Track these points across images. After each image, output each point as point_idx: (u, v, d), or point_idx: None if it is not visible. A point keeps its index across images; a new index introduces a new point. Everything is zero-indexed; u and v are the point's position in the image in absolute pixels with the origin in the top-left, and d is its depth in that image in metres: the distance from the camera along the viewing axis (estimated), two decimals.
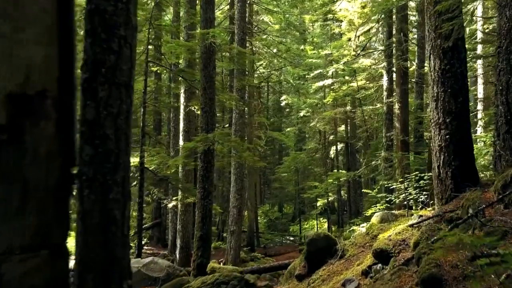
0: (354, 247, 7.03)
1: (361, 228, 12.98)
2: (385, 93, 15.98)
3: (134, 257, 11.62)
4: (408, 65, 15.14)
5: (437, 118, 5.95)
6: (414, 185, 11.73)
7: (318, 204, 31.99)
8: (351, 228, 13.07)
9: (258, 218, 33.92)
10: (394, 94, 15.55)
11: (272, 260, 18.46)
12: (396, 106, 14.97)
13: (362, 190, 29.68)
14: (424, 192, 12.06)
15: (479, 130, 21.10)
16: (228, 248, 16.68)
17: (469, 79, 24.83)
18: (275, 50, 24.00)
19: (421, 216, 5.88)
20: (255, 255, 18.63)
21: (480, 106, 21.14)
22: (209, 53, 10.43)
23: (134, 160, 12.12)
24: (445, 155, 5.67)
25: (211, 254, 18.85)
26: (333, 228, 29.78)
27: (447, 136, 5.71)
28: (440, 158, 5.72)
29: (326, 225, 29.18)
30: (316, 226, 29.92)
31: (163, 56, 12.41)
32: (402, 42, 14.32)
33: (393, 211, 11.92)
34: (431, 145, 6.22)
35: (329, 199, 29.48)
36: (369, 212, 24.81)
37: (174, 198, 14.13)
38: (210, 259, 10.85)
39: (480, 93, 21.08)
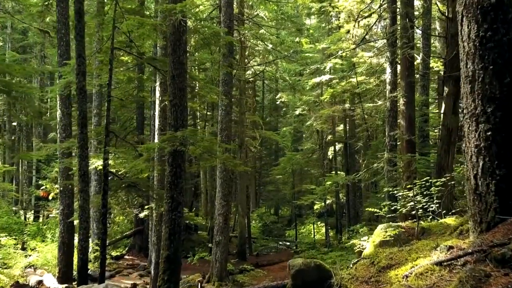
0: (355, 282, 5.28)
1: (362, 242, 11.24)
2: (388, 87, 14.24)
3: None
4: (415, 54, 13.40)
5: (473, 107, 4.21)
6: (424, 192, 10.00)
7: (316, 207, 30.32)
8: (351, 242, 11.27)
9: (253, 222, 32.21)
10: (399, 88, 13.81)
11: (263, 272, 16.73)
12: (401, 101, 13.23)
13: (362, 193, 28.18)
14: (435, 201, 10.34)
15: None
16: (213, 261, 14.96)
17: None
18: (270, 46, 22.28)
19: (451, 248, 4.16)
20: (244, 267, 16.89)
21: None
22: (178, 34, 8.66)
23: (97, 162, 10.35)
24: (485, 160, 3.93)
25: (197, 266, 17.22)
26: (331, 233, 28.17)
27: (489, 133, 3.97)
28: (478, 164, 3.98)
29: (323, 230, 27.48)
30: (313, 230, 28.16)
31: (133, 43, 10.63)
32: (407, 29, 12.58)
33: (399, 223, 10.17)
34: (464, 145, 4.45)
35: (327, 202, 27.82)
36: (365, 229, 23.18)
37: (146, 207, 12.40)
38: (179, 284, 9.11)
39: None
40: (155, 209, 11.90)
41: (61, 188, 13.02)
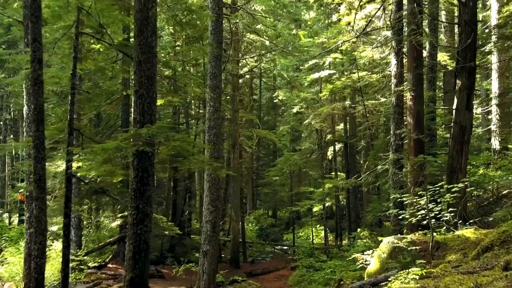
0: None
1: (366, 256, 9.85)
2: (393, 80, 12.87)
3: None
4: (423, 42, 12.04)
5: None
6: (439, 200, 8.62)
7: (315, 210, 28.92)
8: (352, 256, 9.89)
9: (249, 225, 30.84)
10: (405, 81, 12.45)
11: (256, 285, 15.34)
12: (408, 95, 11.86)
13: (363, 195, 26.78)
14: (450, 209, 8.95)
15: (493, 128, 18.19)
16: (200, 273, 13.59)
17: (482, 72, 21.79)
18: (266, 42, 20.89)
19: None
20: (235, 278, 15.50)
21: (494, 103, 18.19)
22: (145, 11, 7.27)
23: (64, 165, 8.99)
24: None
25: (183, 276, 15.83)
26: (330, 237, 26.80)
27: None
28: None
29: (323, 233, 26.09)
30: (311, 235, 26.78)
31: (104, 30, 9.25)
32: (416, 14, 11.19)
33: (408, 236, 8.79)
34: None
35: (327, 205, 26.46)
36: (366, 233, 21.78)
37: (119, 215, 11.04)
38: None
39: (495, 88, 18.12)
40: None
41: (27, 193, 11.64)
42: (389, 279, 6.82)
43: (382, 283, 7.14)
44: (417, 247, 8.00)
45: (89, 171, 7.22)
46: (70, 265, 14.66)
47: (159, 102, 9.87)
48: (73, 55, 8.98)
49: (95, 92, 11.22)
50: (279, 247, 27.04)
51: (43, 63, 8.53)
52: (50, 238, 17.91)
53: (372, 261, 8.60)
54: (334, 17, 22.60)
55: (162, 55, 21.37)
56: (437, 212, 8.48)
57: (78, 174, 9.20)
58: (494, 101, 18.21)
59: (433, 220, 8.63)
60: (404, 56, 12.80)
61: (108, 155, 6.95)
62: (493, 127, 18.08)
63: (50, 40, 9.47)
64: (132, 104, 7.01)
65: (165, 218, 10.05)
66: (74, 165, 9.63)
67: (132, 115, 7.12)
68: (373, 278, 7.42)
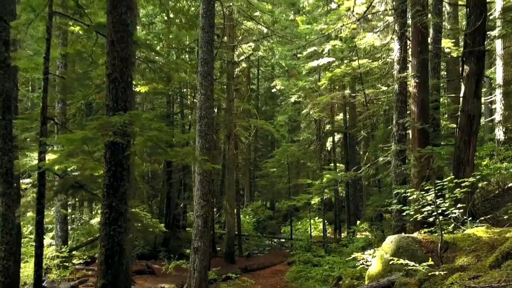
0: None
1: (366, 256, 9.12)
2: (396, 67, 12.07)
3: None
4: (429, 24, 11.25)
5: None
6: (446, 195, 7.86)
7: (313, 202, 28.24)
8: (352, 256, 9.16)
9: (246, 217, 30.20)
10: (409, 67, 11.67)
11: (251, 281, 14.66)
12: (412, 82, 11.06)
13: (363, 187, 26.08)
14: (458, 205, 8.18)
15: (498, 118, 17.46)
16: (191, 270, 12.86)
17: (486, 60, 20.94)
18: (264, 30, 19.99)
19: None
20: (229, 275, 14.80)
21: (499, 93, 17.41)
22: None
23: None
24: None
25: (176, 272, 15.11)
26: (329, 230, 26.16)
27: None
28: None
29: (321, 225, 25.41)
30: (309, 227, 26.09)
31: (83, 10, 8.44)
32: None
33: (413, 235, 8.05)
34: None
35: (325, 197, 25.76)
36: (366, 225, 21.02)
37: (100, 211, 10.29)
38: None
39: (500, 77, 17.33)
40: None
41: None
42: (394, 284, 6.10)
43: None
44: (423, 248, 7.27)
45: (53, 164, 6.47)
46: (55, 262, 14.01)
47: (143, 89, 9.10)
48: (46, 37, 8.16)
49: (83, 80, 10.41)
50: (276, 240, 26.41)
51: (17, 46, 7.73)
52: None
53: (374, 262, 7.87)
54: (334, 5, 21.73)
55: (155, 41, 20.55)
56: (444, 209, 7.71)
57: (56, 168, 8.43)
58: (498, 90, 17.45)
59: (440, 217, 7.86)
60: (408, 40, 11.98)
61: (75, 147, 6.19)
62: (497, 117, 17.34)
63: (23, 22, 8.66)
64: (105, 90, 6.24)
65: (149, 214, 9.31)
66: (53, 157, 8.86)
67: (104, 102, 6.36)
68: (375, 283, 6.70)
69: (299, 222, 30.24)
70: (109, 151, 6.16)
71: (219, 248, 21.76)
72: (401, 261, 6.67)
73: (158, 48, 20.81)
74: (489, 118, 21.44)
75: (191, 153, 6.76)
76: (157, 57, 10.66)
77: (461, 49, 16.81)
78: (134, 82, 9.60)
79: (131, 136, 6.14)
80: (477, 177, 7.66)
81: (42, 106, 8.10)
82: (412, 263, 5.80)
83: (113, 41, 6.23)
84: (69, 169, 9.32)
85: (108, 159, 6.19)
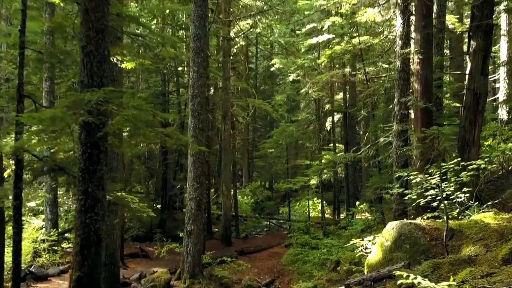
0: None
1: (366, 243, 8.66)
2: (398, 42, 11.44)
3: None
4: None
5: None
6: (452, 179, 7.36)
7: (312, 182, 27.78)
8: (350, 243, 8.69)
9: (245, 198, 29.81)
10: (412, 43, 11.04)
11: (246, 265, 14.29)
12: (415, 59, 10.46)
13: (362, 167, 25.62)
14: (464, 189, 7.66)
15: (501, 97, 16.89)
16: (184, 254, 12.51)
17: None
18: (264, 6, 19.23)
19: None
20: (224, 259, 14.42)
21: (503, 71, 16.77)
22: None
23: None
24: None
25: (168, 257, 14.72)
26: (327, 211, 25.82)
27: None
28: None
29: (320, 206, 25.03)
30: (308, 208, 25.69)
31: None
32: None
33: (416, 221, 7.56)
34: None
35: (324, 177, 25.30)
36: (365, 206, 20.51)
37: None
38: None
39: (504, 54, 16.66)
40: None
41: None
42: (394, 275, 5.63)
43: (385, 280, 5.96)
44: (427, 235, 6.80)
45: (21, 145, 5.93)
46: (44, 245, 13.60)
47: (130, 65, 8.53)
48: (21, 8, 7.55)
49: (64, 55, 9.81)
50: (274, 221, 26.08)
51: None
52: (30, 214, 16.80)
53: (374, 249, 7.41)
54: None
55: (150, 18, 19.76)
56: (449, 193, 7.20)
57: (38, 149, 7.90)
58: (502, 68, 16.79)
59: (445, 201, 7.34)
60: (411, 14, 11.32)
61: (45, 127, 5.65)
62: (500, 96, 16.74)
63: None
64: (79, 65, 5.66)
65: (137, 199, 8.82)
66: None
67: (79, 77, 5.80)
68: (375, 273, 6.23)
69: (298, 203, 29.85)
70: (84, 131, 5.62)
71: (216, 230, 21.41)
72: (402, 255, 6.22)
73: (153, 26, 20.14)
74: (492, 98, 20.85)
75: (174, 134, 6.24)
76: (144, 32, 10.04)
77: (466, 25, 16.17)
78: (119, 58, 9.00)
79: (108, 116, 5.61)
80: (485, 159, 7.12)
81: (18, 83, 7.54)
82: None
83: (87, 9, 5.63)
84: (52, 151, 8.79)
85: (83, 141, 5.65)
